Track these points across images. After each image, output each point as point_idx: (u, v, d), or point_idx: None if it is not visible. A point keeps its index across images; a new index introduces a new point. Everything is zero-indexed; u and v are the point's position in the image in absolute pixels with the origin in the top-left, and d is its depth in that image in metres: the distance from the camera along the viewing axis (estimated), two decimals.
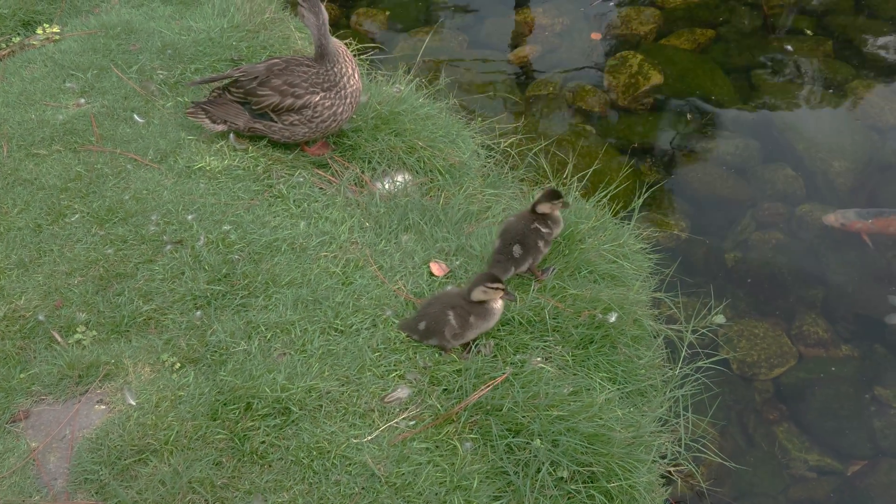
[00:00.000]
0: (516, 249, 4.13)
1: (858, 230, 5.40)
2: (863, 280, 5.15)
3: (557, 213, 4.25)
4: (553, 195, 4.17)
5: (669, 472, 4.06)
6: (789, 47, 6.82)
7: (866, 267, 5.22)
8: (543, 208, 4.19)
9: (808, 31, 6.96)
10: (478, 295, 3.81)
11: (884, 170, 5.81)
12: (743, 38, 6.96)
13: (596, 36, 7.09)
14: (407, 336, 3.95)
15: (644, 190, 5.17)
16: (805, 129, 6.17)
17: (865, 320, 4.97)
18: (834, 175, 5.79)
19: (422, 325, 3.87)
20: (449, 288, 4.07)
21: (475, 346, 3.90)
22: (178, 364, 3.80)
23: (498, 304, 3.87)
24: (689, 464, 4.07)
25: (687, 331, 4.51)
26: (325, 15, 4.54)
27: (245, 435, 3.51)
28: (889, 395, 4.59)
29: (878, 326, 4.92)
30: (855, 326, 4.95)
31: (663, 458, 3.97)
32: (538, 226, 4.18)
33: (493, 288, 3.79)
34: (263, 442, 3.49)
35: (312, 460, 3.44)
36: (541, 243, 4.19)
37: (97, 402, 3.68)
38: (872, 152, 5.92)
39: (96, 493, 3.37)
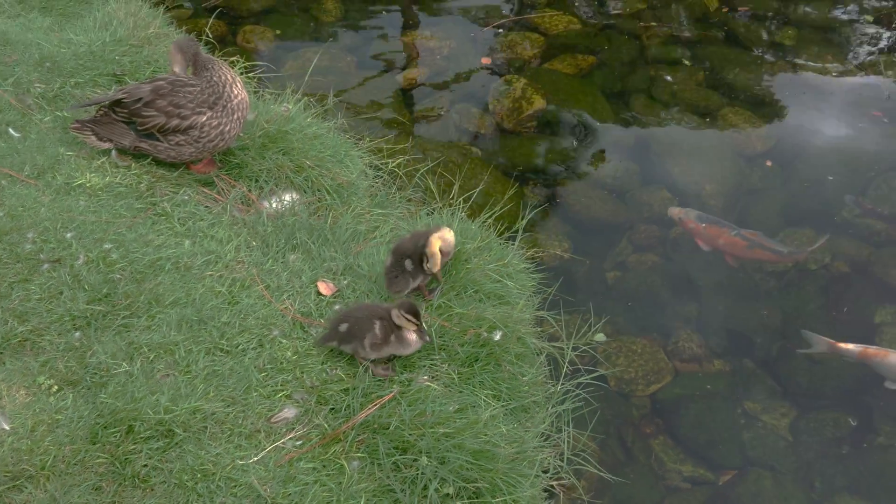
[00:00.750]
0: (408, 263, 4.17)
1: (691, 230, 5.71)
2: (733, 298, 5.41)
3: (451, 240, 4.29)
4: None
5: (552, 486, 4.16)
6: (669, 77, 7.13)
7: (736, 286, 5.48)
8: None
9: (686, 62, 7.29)
10: (394, 316, 3.84)
11: (752, 193, 6.12)
12: (622, 66, 7.23)
13: (486, 60, 7.24)
14: (323, 345, 3.94)
15: (528, 211, 5.30)
16: (680, 154, 6.45)
17: (736, 336, 5.21)
18: (706, 198, 6.07)
19: (343, 327, 3.86)
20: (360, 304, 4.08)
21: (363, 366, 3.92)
22: (56, 387, 3.68)
23: (412, 336, 3.89)
24: (571, 477, 4.18)
25: (568, 348, 4.64)
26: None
27: (126, 458, 3.43)
28: (757, 408, 4.83)
29: (747, 343, 5.17)
30: (727, 342, 5.18)
31: (546, 472, 4.07)
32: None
33: (406, 318, 3.82)
34: (146, 465, 3.42)
35: (197, 483, 3.39)
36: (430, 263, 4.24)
37: None
38: (741, 177, 6.24)
39: None
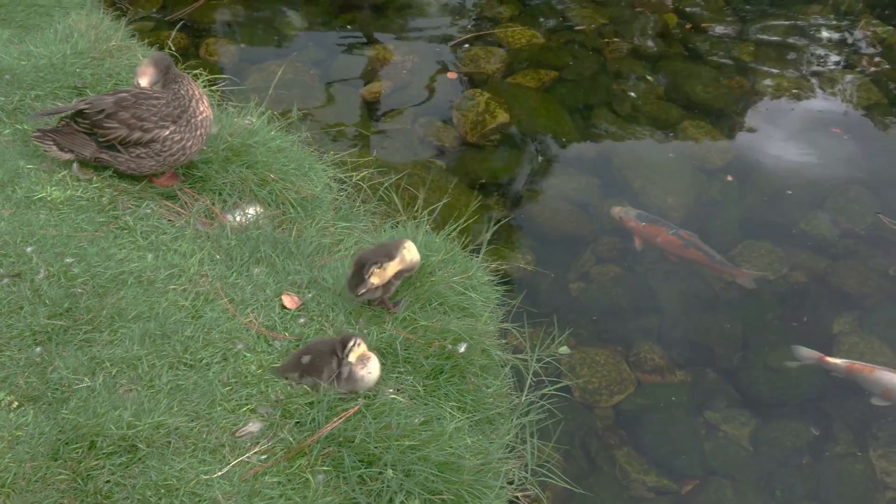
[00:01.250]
0: (367, 269, 4.17)
1: (631, 228, 5.92)
2: (693, 309, 5.48)
3: (416, 257, 4.31)
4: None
5: (517, 497, 4.18)
6: (631, 93, 7.22)
7: (696, 296, 5.56)
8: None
9: (647, 77, 7.39)
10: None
11: (712, 206, 6.22)
12: (584, 80, 7.32)
13: (452, 75, 7.28)
14: (285, 378, 3.90)
15: (492, 224, 5.34)
16: (641, 168, 6.54)
17: (696, 347, 5.28)
18: (667, 210, 6.15)
19: (305, 359, 3.84)
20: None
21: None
22: (16, 403, 3.63)
23: (362, 371, 3.84)
24: (536, 488, 4.20)
25: (532, 360, 4.67)
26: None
27: (88, 475, 3.39)
28: (718, 418, 4.89)
29: (708, 353, 5.24)
30: (688, 353, 5.25)
31: (511, 483, 4.08)
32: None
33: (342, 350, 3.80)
34: (108, 481, 3.38)
35: (160, 498, 3.36)
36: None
37: None
38: (701, 190, 6.34)
39: None
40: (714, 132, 6.83)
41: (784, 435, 4.81)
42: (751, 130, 6.96)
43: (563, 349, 5.02)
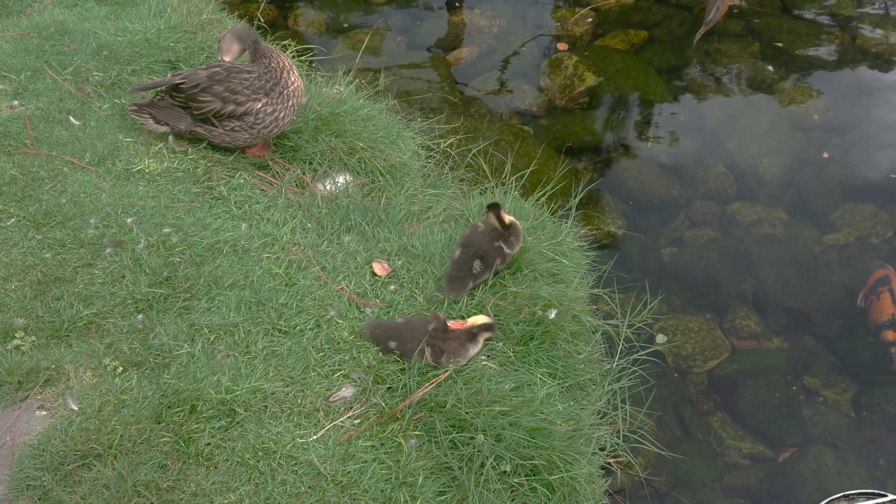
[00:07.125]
0: (476, 265, 4.19)
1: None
2: (791, 274, 5.32)
3: (519, 227, 4.31)
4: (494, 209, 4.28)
5: (609, 463, 4.17)
6: (723, 50, 7.00)
7: (794, 262, 5.39)
8: (505, 217, 4.28)
9: (741, 34, 7.15)
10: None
11: (810, 165, 6.01)
12: (675, 40, 7.13)
13: (563, 47, 7.13)
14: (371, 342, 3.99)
15: (581, 189, 5.27)
16: (735, 128, 6.35)
17: (794, 313, 5.14)
18: (763, 171, 5.97)
19: (392, 344, 3.91)
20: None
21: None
22: (121, 368, 3.78)
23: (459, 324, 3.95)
24: (628, 454, 4.18)
25: (624, 325, 4.62)
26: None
27: (190, 437, 3.51)
28: (817, 384, 4.76)
29: (806, 319, 5.09)
30: (785, 319, 5.11)
31: (603, 449, 4.07)
32: (501, 244, 4.25)
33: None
34: (209, 444, 3.50)
35: (258, 461, 3.46)
36: (498, 261, 4.26)
37: (38, 407, 3.64)
38: (798, 150, 6.13)
39: (39, 499, 3.34)
40: (811, 90, 6.59)
41: (888, 401, 4.65)
42: (850, 87, 6.68)
43: (661, 338, 4.94)
